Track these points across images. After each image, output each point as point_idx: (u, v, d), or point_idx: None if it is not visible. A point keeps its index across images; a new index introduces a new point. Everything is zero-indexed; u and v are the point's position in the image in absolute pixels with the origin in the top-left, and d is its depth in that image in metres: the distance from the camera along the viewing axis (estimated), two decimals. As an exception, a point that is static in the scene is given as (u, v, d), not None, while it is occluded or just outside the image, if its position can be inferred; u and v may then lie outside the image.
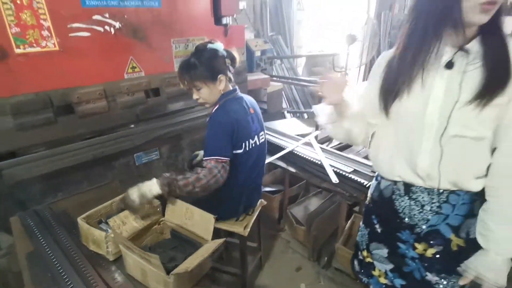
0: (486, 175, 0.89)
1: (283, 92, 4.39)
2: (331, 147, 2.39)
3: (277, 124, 3.09)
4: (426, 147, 0.89)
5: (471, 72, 0.81)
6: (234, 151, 1.42)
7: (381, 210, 1.08)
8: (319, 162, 1.97)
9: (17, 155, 1.54)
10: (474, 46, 0.82)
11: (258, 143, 1.52)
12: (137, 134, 1.87)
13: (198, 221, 1.26)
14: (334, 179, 1.81)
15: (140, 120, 1.91)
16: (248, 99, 1.54)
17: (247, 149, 1.45)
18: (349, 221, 2.01)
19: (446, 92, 0.84)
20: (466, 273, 0.92)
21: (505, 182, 0.85)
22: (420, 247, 0.99)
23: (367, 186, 1.75)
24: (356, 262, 1.23)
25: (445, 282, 0.99)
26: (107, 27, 1.62)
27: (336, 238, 2.00)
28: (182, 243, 1.30)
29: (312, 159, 2.02)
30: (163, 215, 1.37)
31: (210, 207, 1.29)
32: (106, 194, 1.54)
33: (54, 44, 1.48)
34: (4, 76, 1.39)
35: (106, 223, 1.33)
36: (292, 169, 2.08)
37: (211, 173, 1.31)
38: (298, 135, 2.50)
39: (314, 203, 2.39)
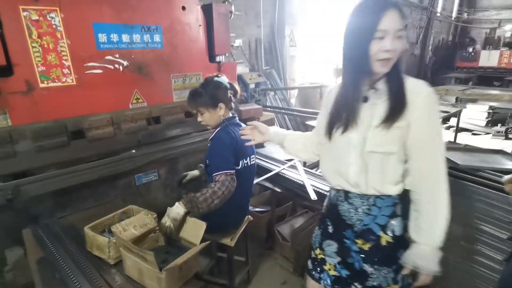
0: (402, 182, 1.13)
1: (276, 121, 4.68)
2: (317, 170, 2.61)
3: (268, 149, 3.33)
4: (353, 161, 1.14)
5: (379, 104, 1.08)
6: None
7: (331, 214, 1.30)
8: (302, 182, 2.19)
9: (34, 173, 1.76)
10: (381, 85, 1.09)
11: (249, 164, 1.76)
12: (139, 157, 2.10)
13: (190, 228, 1.47)
14: (313, 196, 2.02)
15: (142, 145, 2.16)
16: (244, 125, 1.79)
17: (243, 166, 1.70)
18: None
19: (363, 120, 1.10)
20: (405, 264, 1.13)
21: (422, 185, 1.09)
22: (360, 242, 1.20)
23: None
24: (309, 262, 1.42)
25: (376, 273, 1.19)
26: (116, 65, 1.92)
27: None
28: (175, 248, 1.48)
29: (295, 180, 2.24)
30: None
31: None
32: (109, 210, 1.73)
33: (72, 79, 1.76)
34: (29, 106, 1.65)
35: (109, 232, 1.53)
36: (278, 189, 2.29)
37: (223, 185, 1.52)
38: (287, 160, 2.73)
39: (299, 221, 2.57)
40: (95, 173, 1.94)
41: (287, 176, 2.33)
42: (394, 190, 1.13)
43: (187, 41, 2.20)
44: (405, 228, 1.16)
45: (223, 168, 1.56)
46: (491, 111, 5.85)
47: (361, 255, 1.21)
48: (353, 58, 1.07)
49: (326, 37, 6.19)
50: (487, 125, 5.82)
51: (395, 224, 1.16)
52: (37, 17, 1.59)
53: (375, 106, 1.08)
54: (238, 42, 4.61)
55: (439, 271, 1.09)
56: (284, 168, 2.47)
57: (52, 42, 1.65)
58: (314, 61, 6.00)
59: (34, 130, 1.68)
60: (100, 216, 1.60)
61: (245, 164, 1.72)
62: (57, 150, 1.79)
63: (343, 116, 1.13)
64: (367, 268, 1.20)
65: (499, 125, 5.57)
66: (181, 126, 2.33)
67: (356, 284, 1.25)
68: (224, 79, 1.72)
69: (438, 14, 12.18)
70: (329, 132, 1.18)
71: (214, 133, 1.70)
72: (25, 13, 1.55)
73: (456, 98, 6.48)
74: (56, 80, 1.71)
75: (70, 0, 1.68)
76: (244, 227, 1.89)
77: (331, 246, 1.29)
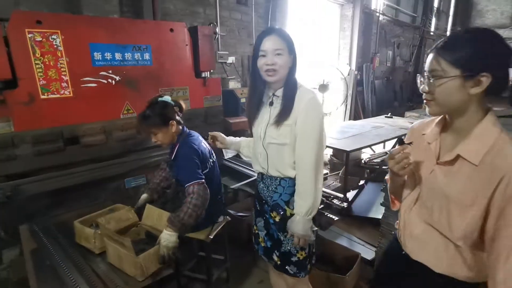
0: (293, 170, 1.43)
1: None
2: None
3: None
4: (260, 151, 1.48)
5: (277, 107, 1.41)
6: (204, 172, 1.80)
7: (256, 194, 1.63)
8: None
9: (32, 175, 1.97)
10: (280, 92, 1.41)
11: (213, 162, 1.94)
12: (128, 162, 2.32)
13: (155, 217, 1.68)
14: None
15: (131, 151, 2.38)
16: (194, 132, 1.93)
17: (210, 166, 1.88)
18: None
19: (265, 119, 1.44)
20: (288, 230, 1.43)
21: (298, 169, 1.39)
22: (273, 214, 1.52)
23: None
24: (253, 237, 1.71)
25: (286, 239, 1.49)
26: (109, 80, 2.16)
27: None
28: (153, 240, 1.67)
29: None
30: (140, 219, 1.77)
31: None
32: (99, 210, 1.94)
33: (69, 92, 2.00)
34: (30, 115, 1.89)
35: (96, 226, 1.72)
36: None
37: (199, 195, 1.61)
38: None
39: (278, 225, 2.74)
40: (88, 176, 2.14)
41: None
42: (291, 172, 1.43)
43: (174, 59, 2.46)
44: None
45: (193, 179, 1.65)
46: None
47: (275, 226, 1.51)
48: (251, 71, 1.45)
49: (312, 56, 6.51)
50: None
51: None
52: (41, 39, 1.84)
53: (275, 109, 1.42)
54: (231, 59, 4.88)
55: (309, 236, 1.39)
56: (263, 175, 2.66)
57: (53, 59, 1.90)
58: (302, 77, 6.25)
59: (34, 136, 1.91)
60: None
61: (212, 163, 1.90)
62: (54, 154, 2.01)
63: (251, 116, 1.50)
64: (281, 236, 1.51)
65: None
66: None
67: (275, 252, 1.54)
68: (167, 97, 1.78)
69: (432, 33, 12.59)
70: (250, 129, 1.55)
71: (175, 151, 1.79)
72: (30, 35, 1.81)
73: None
74: (55, 93, 1.95)
75: (70, 24, 1.94)
76: (221, 225, 2.07)
77: (260, 222, 1.60)
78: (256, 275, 2.45)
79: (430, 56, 0.92)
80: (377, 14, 8.46)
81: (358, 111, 7.80)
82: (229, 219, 2.16)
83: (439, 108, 0.94)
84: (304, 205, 1.38)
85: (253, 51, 1.39)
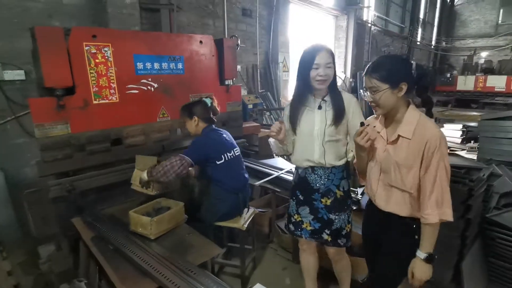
0: (345, 157, 1.77)
1: (272, 138, 5.16)
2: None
3: (268, 161, 3.79)
4: (314, 148, 1.72)
5: (328, 111, 1.70)
6: (217, 162, 2.16)
7: (301, 185, 1.86)
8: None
9: (83, 172, 2.18)
10: (328, 98, 1.72)
11: (235, 155, 2.26)
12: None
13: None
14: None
15: (165, 151, 2.61)
16: (222, 129, 2.36)
17: (227, 159, 2.19)
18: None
19: (321, 121, 1.71)
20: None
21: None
22: (323, 200, 1.78)
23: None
24: (290, 226, 1.94)
25: (338, 217, 1.79)
26: (149, 87, 2.40)
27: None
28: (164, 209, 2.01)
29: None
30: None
31: (211, 209, 2.07)
32: (136, 205, 2.14)
33: (116, 98, 2.24)
34: (84, 118, 2.11)
35: (148, 215, 1.94)
36: (278, 189, 2.74)
37: (172, 166, 1.97)
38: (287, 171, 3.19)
39: (296, 219, 2.99)
40: (128, 174, 2.35)
41: (285, 178, 2.79)
42: (341, 162, 1.78)
43: (202, 68, 2.72)
44: (349, 184, 1.84)
45: (185, 154, 2.04)
46: (465, 129, 6.48)
47: (326, 209, 1.78)
48: (300, 80, 1.71)
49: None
50: (462, 142, 6.43)
51: (344, 183, 1.81)
52: (95, 51, 2.08)
53: (327, 112, 1.71)
54: (237, 68, 5.18)
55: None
56: (282, 173, 2.93)
57: (104, 69, 2.14)
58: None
59: (87, 137, 2.12)
60: (131, 209, 1.99)
61: (230, 156, 2.23)
62: (102, 154, 2.23)
63: (295, 118, 1.75)
64: (331, 216, 1.78)
65: (472, 141, 6.17)
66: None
67: (325, 230, 1.81)
68: (208, 100, 2.25)
69: (418, 43, 13.18)
70: (294, 130, 1.78)
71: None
72: (86, 48, 2.05)
73: (435, 118, 7.14)
74: (105, 98, 2.18)
75: (119, 38, 2.19)
76: (251, 216, 2.32)
77: (305, 210, 1.85)
78: (279, 263, 2.69)
79: (365, 77, 1.38)
80: (369, 24, 8.91)
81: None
82: (257, 211, 2.41)
83: (383, 110, 1.40)
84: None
85: (303, 64, 1.66)
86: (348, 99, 1.72)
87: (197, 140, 2.18)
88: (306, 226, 1.86)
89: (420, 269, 1.35)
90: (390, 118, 1.44)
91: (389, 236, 1.50)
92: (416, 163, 1.33)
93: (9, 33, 2.79)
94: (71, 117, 2.05)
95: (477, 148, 4.04)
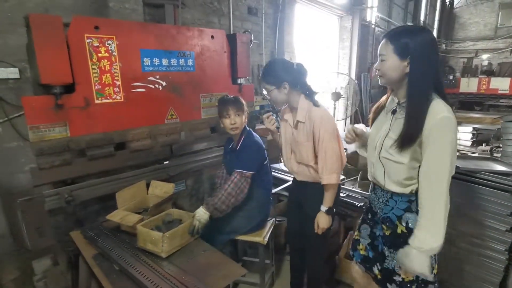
0: (415, 184, 1.28)
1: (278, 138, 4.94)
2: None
3: (274, 165, 3.57)
4: (372, 160, 1.40)
5: (399, 119, 1.28)
6: (264, 162, 1.96)
7: (367, 202, 1.60)
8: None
9: (83, 180, 1.95)
10: (404, 102, 1.26)
11: (268, 162, 2.05)
12: (172, 167, 2.31)
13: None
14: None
15: (174, 156, 2.37)
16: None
17: (266, 166, 1.99)
18: (347, 237, 2.39)
19: (385, 129, 1.34)
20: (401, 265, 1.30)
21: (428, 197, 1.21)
22: (385, 227, 1.41)
23: (358, 206, 2.20)
24: (351, 243, 1.69)
25: (391, 256, 1.40)
26: (157, 85, 2.17)
27: (338, 253, 2.36)
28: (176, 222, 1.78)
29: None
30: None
31: (249, 216, 1.90)
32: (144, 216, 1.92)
33: (121, 97, 2.00)
34: (85, 119, 1.87)
35: (157, 229, 1.70)
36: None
37: (237, 185, 1.77)
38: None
39: (314, 228, 2.76)
40: (133, 181, 2.12)
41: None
42: (404, 190, 1.31)
43: (214, 65, 2.49)
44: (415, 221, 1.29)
45: (243, 168, 1.80)
46: (475, 132, 6.30)
47: (383, 239, 1.43)
48: None
49: (321, 64, 6.65)
50: (472, 145, 6.24)
51: (410, 217, 1.31)
52: (98, 44, 1.85)
53: (396, 121, 1.30)
54: (250, 66, 4.98)
55: (425, 276, 1.19)
56: (299, 179, 2.70)
57: (108, 64, 1.91)
58: (312, 85, 6.41)
59: (88, 141, 1.89)
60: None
61: (266, 164, 2.02)
62: (105, 159, 1.99)
63: (373, 116, 1.48)
64: (386, 251, 1.41)
65: (483, 144, 5.98)
66: (206, 140, 2.57)
67: (377, 264, 1.48)
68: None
69: (420, 45, 13.06)
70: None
71: (240, 141, 1.95)
72: (88, 40, 1.82)
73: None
74: (108, 98, 1.95)
75: (125, 30, 1.96)
76: (271, 228, 2.09)
77: (366, 230, 1.54)
78: (298, 278, 2.45)
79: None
80: (373, 26, 8.77)
81: (357, 118, 7.99)
82: (276, 222, 2.18)
83: (277, 105, 1.89)
84: (430, 241, 1.16)
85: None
86: (433, 112, 1.15)
87: (249, 146, 1.91)
88: (361, 249, 1.57)
89: (322, 220, 1.73)
90: (291, 108, 1.83)
91: (306, 198, 1.88)
92: (310, 140, 1.72)
93: (2, 28, 2.55)
94: (70, 118, 1.81)
95: (500, 151, 3.82)
